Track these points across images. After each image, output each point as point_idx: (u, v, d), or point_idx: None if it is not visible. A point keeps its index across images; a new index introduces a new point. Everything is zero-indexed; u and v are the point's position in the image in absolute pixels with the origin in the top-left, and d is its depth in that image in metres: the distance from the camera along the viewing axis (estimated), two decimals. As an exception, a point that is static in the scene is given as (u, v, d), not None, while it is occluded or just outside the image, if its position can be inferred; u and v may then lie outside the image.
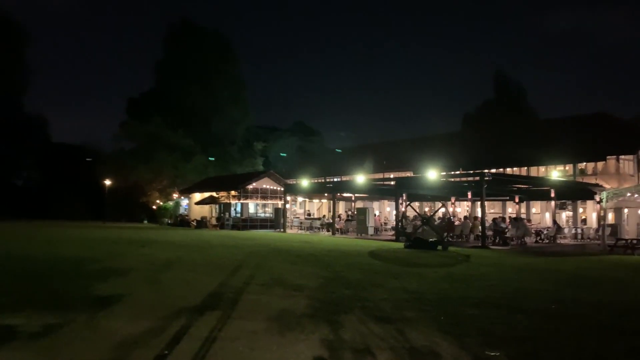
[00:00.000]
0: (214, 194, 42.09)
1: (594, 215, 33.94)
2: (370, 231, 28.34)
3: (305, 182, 31.93)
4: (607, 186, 29.20)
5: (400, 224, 24.18)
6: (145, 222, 53.54)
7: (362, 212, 28.55)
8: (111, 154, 56.77)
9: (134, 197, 53.47)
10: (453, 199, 31.30)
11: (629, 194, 25.04)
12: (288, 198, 37.21)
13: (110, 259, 11.81)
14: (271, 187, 40.59)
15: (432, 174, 24.31)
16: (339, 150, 57.04)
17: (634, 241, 22.55)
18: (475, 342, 4.99)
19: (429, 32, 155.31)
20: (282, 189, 36.92)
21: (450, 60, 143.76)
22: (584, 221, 34.38)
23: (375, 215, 33.79)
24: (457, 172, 28.47)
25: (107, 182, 49.49)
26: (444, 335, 5.22)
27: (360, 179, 28.42)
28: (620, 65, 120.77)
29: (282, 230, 32.47)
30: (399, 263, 12.70)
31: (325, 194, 37.98)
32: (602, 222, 26.42)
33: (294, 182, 36.71)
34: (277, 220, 34.90)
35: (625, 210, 31.76)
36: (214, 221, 41.29)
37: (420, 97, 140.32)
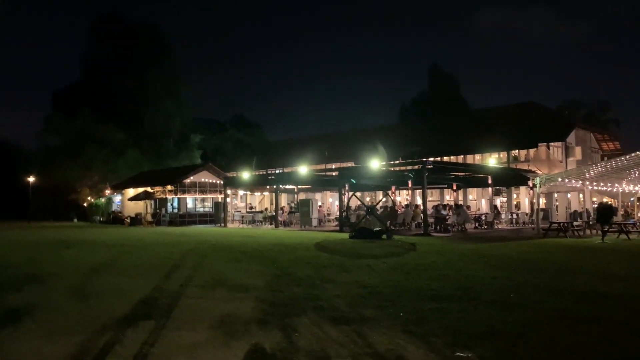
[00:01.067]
0: (148, 189, 40.05)
1: (527, 201, 35.47)
2: (314, 223, 27.92)
3: (246, 175, 30.95)
4: (539, 172, 30.43)
5: (344, 214, 23.89)
6: (75, 220, 50.36)
7: (306, 203, 28.05)
8: (36, 151, 52.94)
9: (62, 195, 50.11)
10: (394, 188, 31.50)
11: (560, 179, 26.14)
12: (228, 191, 36.01)
13: (28, 265, 10.53)
14: (210, 181, 39.18)
15: (375, 164, 24.19)
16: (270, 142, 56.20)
17: (565, 224, 23.59)
18: (443, 342, 4.55)
19: (368, 26, 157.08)
20: (222, 182, 35.70)
21: (389, 55, 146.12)
22: (517, 206, 35.83)
23: (319, 206, 33.44)
24: (397, 162, 28.58)
25: (31, 180, 45.98)
26: (408, 336, 4.76)
27: (303, 170, 27.85)
28: (544, 59, 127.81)
29: (222, 225, 31.36)
30: (346, 255, 12.26)
31: (267, 187, 37.19)
32: (536, 207, 27.52)
33: (234, 175, 35.54)
34: (218, 214, 33.69)
35: (555, 195, 33.37)
36: (149, 218, 39.30)
37: (359, 90, 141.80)
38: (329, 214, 33.44)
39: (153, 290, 7.19)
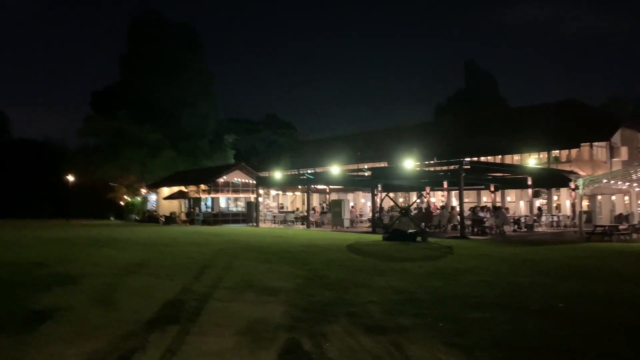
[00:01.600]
0: (183, 188, 40.57)
1: (568, 203, 34.05)
2: (346, 223, 27.53)
3: (278, 175, 30.83)
4: (581, 173, 29.12)
5: (377, 215, 23.41)
6: (112, 219, 51.61)
7: (337, 204, 27.70)
8: (76, 150, 54.58)
9: (100, 194, 51.51)
10: (428, 189, 30.78)
11: (604, 181, 24.92)
12: (260, 191, 36.07)
13: (61, 263, 10.56)
14: (243, 180, 39.35)
15: (409, 164, 23.60)
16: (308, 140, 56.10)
17: (611, 228, 22.42)
18: (491, 357, 4.12)
19: (399, 23, 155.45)
20: (254, 182, 35.76)
21: (422, 52, 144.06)
22: (558, 208, 34.43)
23: (350, 207, 33.04)
24: (433, 162, 27.85)
25: (71, 179, 47.38)
26: (450, 349, 4.34)
27: (335, 170, 27.50)
28: (584, 54, 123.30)
29: (254, 224, 31.35)
30: (380, 257, 11.84)
31: (299, 187, 37.02)
32: (578, 210, 26.32)
33: (267, 175, 35.51)
34: (250, 214, 33.72)
35: (599, 197, 31.89)
36: (183, 217, 39.78)
37: (393, 89, 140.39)
38: (361, 215, 32.98)
39: (181, 292, 6.99)
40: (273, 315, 5.56)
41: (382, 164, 35.79)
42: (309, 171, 40.27)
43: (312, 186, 35.51)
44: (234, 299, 6.49)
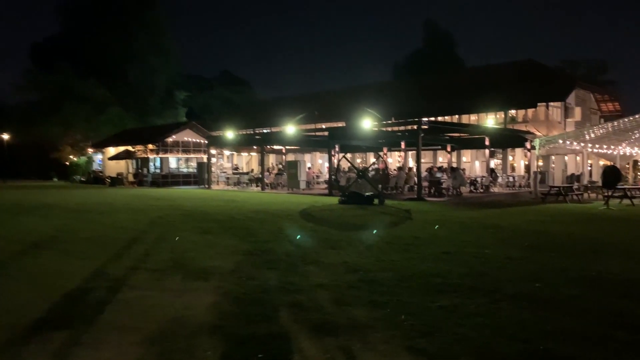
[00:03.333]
0: (129, 148, 38.24)
1: (522, 163, 34.29)
2: (302, 185, 26.55)
3: (230, 134, 29.22)
4: (537, 133, 29.10)
5: (333, 177, 22.49)
6: (55, 180, 48.62)
7: (293, 165, 26.57)
8: (14, 106, 50.60)
9: (44, 153, 48.22)
10: (385, 150, 30.08)
11: (560, 141, 24.88)
12: (213, 151, 34.36)
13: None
14: (194, 140, 37.42)
15: (366, 123, 22.63)
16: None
17: (565, 189, 22.48)
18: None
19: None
20: (206, 141, 33.96)
21: (382, 11, 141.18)
22: (512, 168, 34.66)
23: (307, 168, 32.02)
24: (390, 122, 27.00)
25: (6, 137, 43.88)
26: (416, 358, 3.41)
27: (291, 129, 26.19)
28: (542, 16, 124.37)
29: (206, 186, 29.89)
30: (335, 225, 10.91)
31: (254, 147, 35.59)
32: (534, 170, 26.35)
33: (219, 134, 33.74)
34: (201, 175, 32.13)
35: (553, 157, 32.21)
36: (131, 178, 37.69)
37: (351, 48, 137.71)
38: (318, 176, 32.06)
39: (90, 278, 5.76)
40: (197, 310, 4.47)
41: (340, 125, 34.73)
42: (265, 131, 38.76)
43: (268, 146, 34.18)
44: (154, 286, 5.34)
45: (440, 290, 5.19)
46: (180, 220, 11.44)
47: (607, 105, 39.23)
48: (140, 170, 36.77)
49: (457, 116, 34.83)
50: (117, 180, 37.02)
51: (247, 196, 21.17)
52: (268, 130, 37.82)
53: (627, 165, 33.12)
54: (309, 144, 32.66)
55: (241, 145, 34.08)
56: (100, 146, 43.63)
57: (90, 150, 45.71)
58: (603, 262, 6.73)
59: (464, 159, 35.51)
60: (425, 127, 20.88)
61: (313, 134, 31.36)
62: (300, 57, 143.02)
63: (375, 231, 9.74)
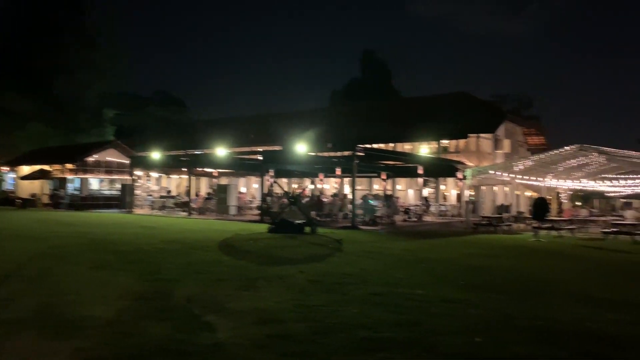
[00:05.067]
0: (45, 167, 35.14)
1: (454, 193, 34.80)
2: (233, 211, 25.15)
3: (156, 155, 27.38)
4: (468, 163, 29.59)
5: (265, 202, 21.37)
6: (-41, 201, 43.88)
7: (223, 189, 25.17)
8: None
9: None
10: (321, 176, 29.42)
11: (491, 172, 25.27)
12: (139, 173, 32.20)
13: None
14: (119, 160, 35.04)
15: (302, 148, 21.80)
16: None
17: (496, 219, 22.67)
18: None
19: (302, 9, 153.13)
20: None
21: (321, 39, 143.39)
22: (444, 198, 35.07)
23: (240, 192, 30.67)
24: (327, 147, 26.42)
25: None
26: None
27: (221, 151, 24.84)
28: (477, 51, 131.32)
29: (128, 210, 27.71)
30: (257, 258, 9.76)
31: (185, 169, 33.77)
32: (466, 200, 26.54)
33: (144, 155, 31.67)
34: (123, 198, 29.84)
35: (483, 188, 32.86)
36: (46, 199, 34.50)
37: (291, 74, 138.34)
38: (251, 202, 30.74)
39: None
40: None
41: (277, 148, 33.76)
42: (196, 152, 37.00)
43: (199, 169, 32.55)
44: (-10, 350, 3.98)
45: (365, 349, 4.22)
46: (78, 251, 9.84)
47: (533, 139, 41.03)
48: (56, 192, 33.75)
49: (392, 144, 34.96)
50: (29, 202, 33.70)
51: (169, 222, 19.53)
52: (199, 152, 36.12)
53: (549, 197, 34.44)
54: (243, 167, 31.38)
55: (168, 167, 32.19)
56: (13, 164, 39.95)
57: (3, 168, 41.74)
58: (549, 305, 6.07)
59: (398, 187, 35.55)
60: (361, 153, 20.39)
61: (247, 157, 30.20)
62: (239, 80, 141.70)
63: (300, 266, 8.71)
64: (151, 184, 38.52)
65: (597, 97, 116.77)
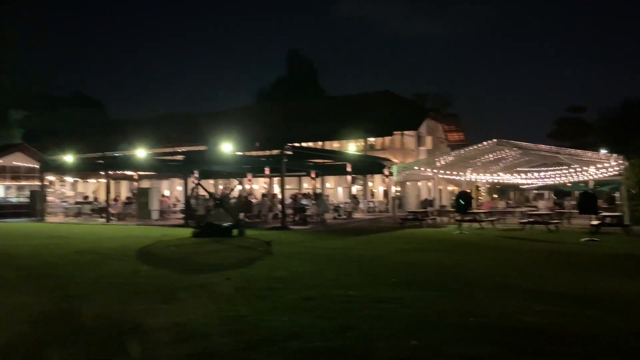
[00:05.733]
0: (-62, 174, 31.59)
1: (381, 189, 35.49)
2: (155, 215, 23.91)
3: (70, 158, 25.39)
4: (394, 160, 30.24)
5: (189, 205, 20.46)
6: None
7: (144, 192, 23.87)
8: None
9: None
10: (250, 176, 28.80)
11: (416, 168, 25.93)
12: (52, 178, 29.86)
13: None
14: (28, 165, 32.22)
15: (227, 147, 21.09)
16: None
17: (422, 214, 23.23)
18: None
19: (227, 7, 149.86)
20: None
21: (247, 38, 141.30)
22: (372, 194, 35.68)
23: (163, 196, 29.29)
24: (255, 146, 25.85)
25: None
26: None
27: (142, 153, 23.49)
28: (399, 51, 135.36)
29: (39, 219, 25.50)
30: (179, 266, 9.13)
31: (102, 173, 31.68)
32: (393, 196, 27.07)
33: (55, 158, 29.33)
34: (33, 206, 27.45)
35: (408, 183, 33.75)
36: (-61, 211, 30.97)
37: (216, 73, 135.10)
38: (175, 205, 29.44)
39: None
40: None
41: (202, 148, 32.59)
42: (116, 154, 34.88)
43: (120, 172, 30.74)
44: None
45: (298, 363, 3.88)
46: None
47: (453, 135, 42.86)
48: (-49, 201, 30.43)
49: (320, 143, 35.03)
50: None
51: (85, 230, 18.12)
52: (118, 154, 34.11)
53: (469, 191, 36.05)
54: (165, 169, 29.93)
55: (85, 170, 30.08)
56: None
57: None
58: (479, 300, 6.05)
59: (328, 185, 35.69)
60: (289, 152, 20.08)
61: (170, 158, 28.86)
62: (162, 79, 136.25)
63: (226, 273, 8.21)
64: (66, 189, 35.91)
65: (512, 94, 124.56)
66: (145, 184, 34.12)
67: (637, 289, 6.67)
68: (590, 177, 23.63)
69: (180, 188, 37.47)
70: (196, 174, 24.79)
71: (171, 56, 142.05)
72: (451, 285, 7.11)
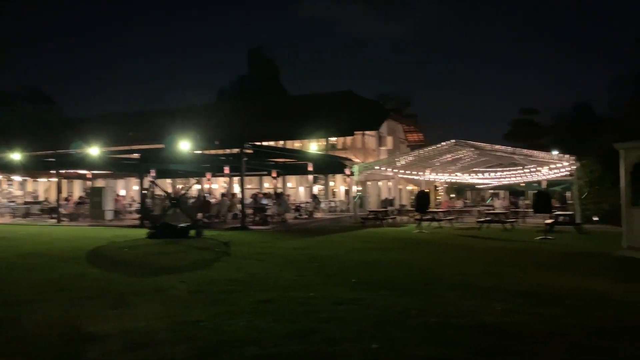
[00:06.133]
0: None
1: (343, 189, 35.56)
2: (109, 216, 23.04)
3: (17, 156, 24.07)
4: (355, 160, 30.35)
5: (144, 205, 19.80)
6: None
7: (97, 192, 22.96)
8: None
9: None
10: (209, 175, 28.22)
11: (377, 167, 26.09)
12: (-2, 177, 28.23)
13: None
14: (-30, 164, 30.37)
15: (185, 145, 20.52)
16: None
17: (382, 213, 23.38)
18: None
19: (186, 4, 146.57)
20: (-14, 165, 27.71)
21: (207, 35, 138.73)
22: (334, 194, 35.71)
23: (118, 195, 28.33)
24: (215, 144, 25.32)
25: None
26: None
27: (95, 151, 22.52)
28: (360, 52, 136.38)
29: (-18, 220, 24.10)
30: (131, 269, 8.72)
31: (53, 172, 30.28)
32: (354, 195, 27.14)
33: (1, 156, 27.77)
34: (-24, 207, 25.95)
35: (369, 183, 33.96)
36: None
37: (175, 70, 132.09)
38: (130, 205, 28.50)
39: None
40: None
41: (160, 147, 31.65)
42: (69, 152, 33.39)
43: (72, 171, 29.49)
44: None
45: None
46: None
47: (412, 136, 43.49)
48: None
49: (282, 142, 34.74)
50: None
51: (34, 231, 17.22)
52: (72, 152, 32.68)
53: (428, 190, 36.64)
54: (121, 168, 28.92)
55: (35, 169, 28.68)
56: None
57: None
58: (440, 299, 6.01)
59: (289, 184, 35.45)
60: (249, 151, 19.76)
61: (126, 156, 27.89)
62: (120, 76, 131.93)
63: (181, 275, 7.90)
64: (14, 188, 34.19)
65: (471, 96, 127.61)
66: (100, 183, 32.91)
67: (592, 286, 6.82)
68: (543, 177, 24.42)
69: (136, 187, 36.39)
70: (153, 173, 24.06)
71: (131, 54, 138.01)
72: (411, 284, 7.06)
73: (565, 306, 5.59)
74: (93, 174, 30.52)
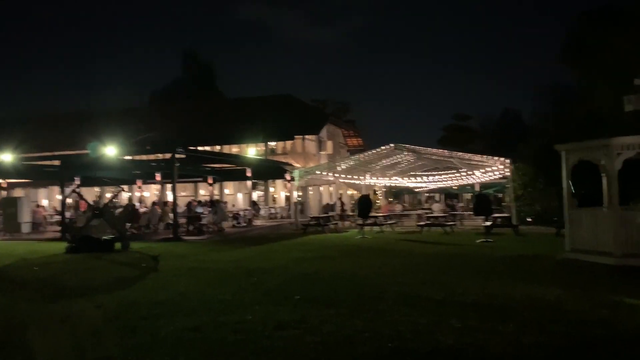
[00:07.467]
0: None
1: (283, 195, 34.81)
2: (26, 228, 20.97)
3: None
4: (296, 165, 29.73)
5: (64, 216, 18.11)
6: None
7: (12, 202, 20.81)
8: None
9: None
10: (140, 182, 26.52)
11: (318, 172, 25.61)
12: None
13: None
14: None
15: (111, 150, 19.00)
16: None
17: (324, 219, 22.88)
18: None
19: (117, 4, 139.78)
20: None
21: (139, 37, 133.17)
22: (274, 200, 34.90)
23: (37, 206, 26.03)
24: (146, 149, 23.83)
25: None
26: None
27: (8, 157, 20.41)
28: (297, 57, 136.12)
29: None
30: (37, 292, 7.53)
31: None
32: (295, 201, 26.49)
33: None
34: None
35: (310, 188, 33.45)
36: None
37: (105, 70, 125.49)
38: (52, 216, 26.25)
39: None
40: None
41: (83, 152, 29.47)
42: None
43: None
44: None
45: None
46: None
47: (352, 140, 43.54)
48: None
49: (218, 146, 33.50)
50: None
51: None
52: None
53: (369, 195, 36.66)
54: (41, 176, 26.60)
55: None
56: None
57: None
58: (389, 317, 5.44)
59: (227, 191, 34.23)
60: (182, 155, 18.60)
61: (47, 163, 25.65)
62: (40, 77, 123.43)
63: (98, 298, 6.87)
64: None
65: (406, 102, 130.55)
66: (18, 192, 30.17)
67: (543, 294, 6.54)
68: (477, 180, 24.90)
69: (60, 197, 33.77)
70: (77, 181, 22.18)
71: (54, 52, 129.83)
72: (358, 299, 6.48)
73: (522, 320, 5.20)
74: (9, 183, 27.85)
